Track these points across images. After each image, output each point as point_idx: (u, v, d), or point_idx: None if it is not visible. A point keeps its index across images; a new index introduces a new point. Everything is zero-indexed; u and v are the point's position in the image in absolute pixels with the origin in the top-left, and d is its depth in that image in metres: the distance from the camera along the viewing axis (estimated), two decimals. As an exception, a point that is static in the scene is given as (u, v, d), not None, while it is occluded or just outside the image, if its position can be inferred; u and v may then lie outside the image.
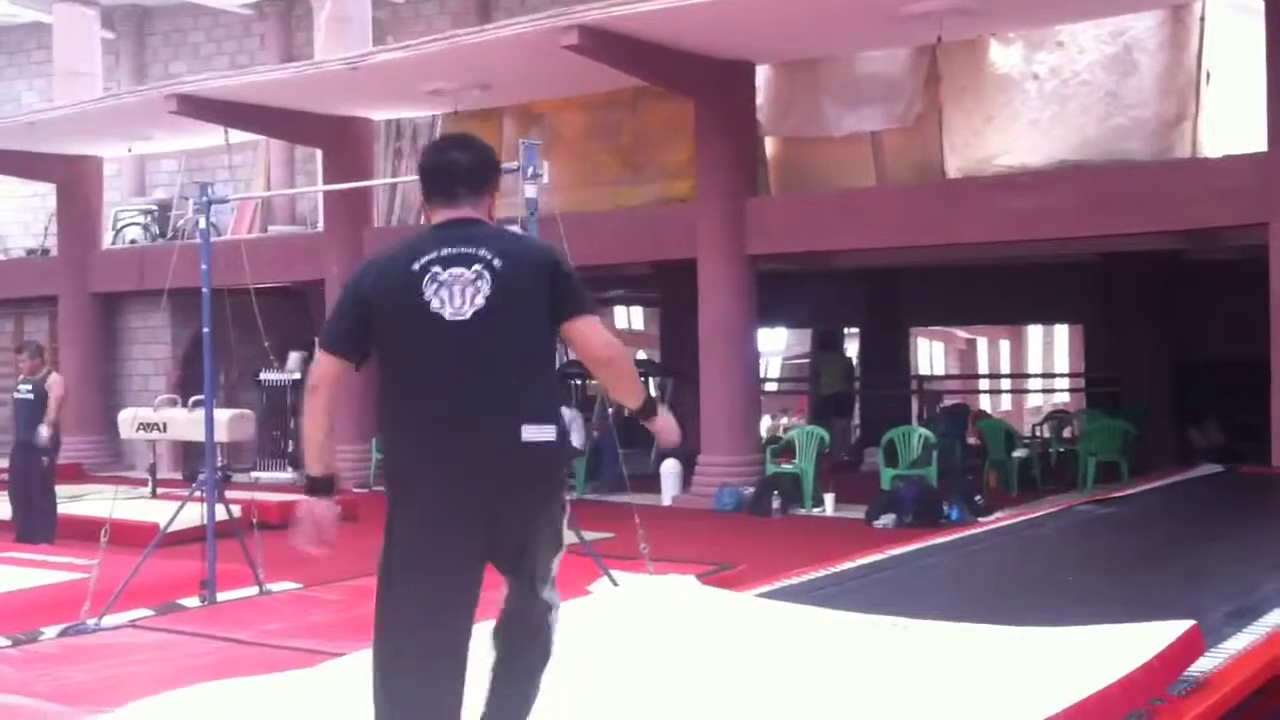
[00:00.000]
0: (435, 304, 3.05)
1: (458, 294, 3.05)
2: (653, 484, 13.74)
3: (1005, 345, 33.60)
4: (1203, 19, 12.14)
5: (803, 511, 12.70)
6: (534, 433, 3.03)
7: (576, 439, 14.23)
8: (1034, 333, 32.83)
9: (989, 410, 22.32)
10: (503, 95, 14.62)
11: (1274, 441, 10.56)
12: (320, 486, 3.30)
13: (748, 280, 13.48)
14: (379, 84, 14.03)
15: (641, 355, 25.65)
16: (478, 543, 3.12)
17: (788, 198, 14.08)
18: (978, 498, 11.94)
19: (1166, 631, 3.51)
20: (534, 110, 15.52)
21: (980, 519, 9.30)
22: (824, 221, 13.27)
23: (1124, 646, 3.43)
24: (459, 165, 3.26)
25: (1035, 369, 28.79)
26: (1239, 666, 3.76)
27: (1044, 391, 25.06)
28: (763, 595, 5.05)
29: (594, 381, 18.73)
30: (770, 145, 14.54)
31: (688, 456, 13.85)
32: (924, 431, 13.36)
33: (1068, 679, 3.17)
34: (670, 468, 13.66)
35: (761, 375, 22.01)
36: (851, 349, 22.17)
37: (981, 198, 12.41)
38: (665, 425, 3.47)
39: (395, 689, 3.04)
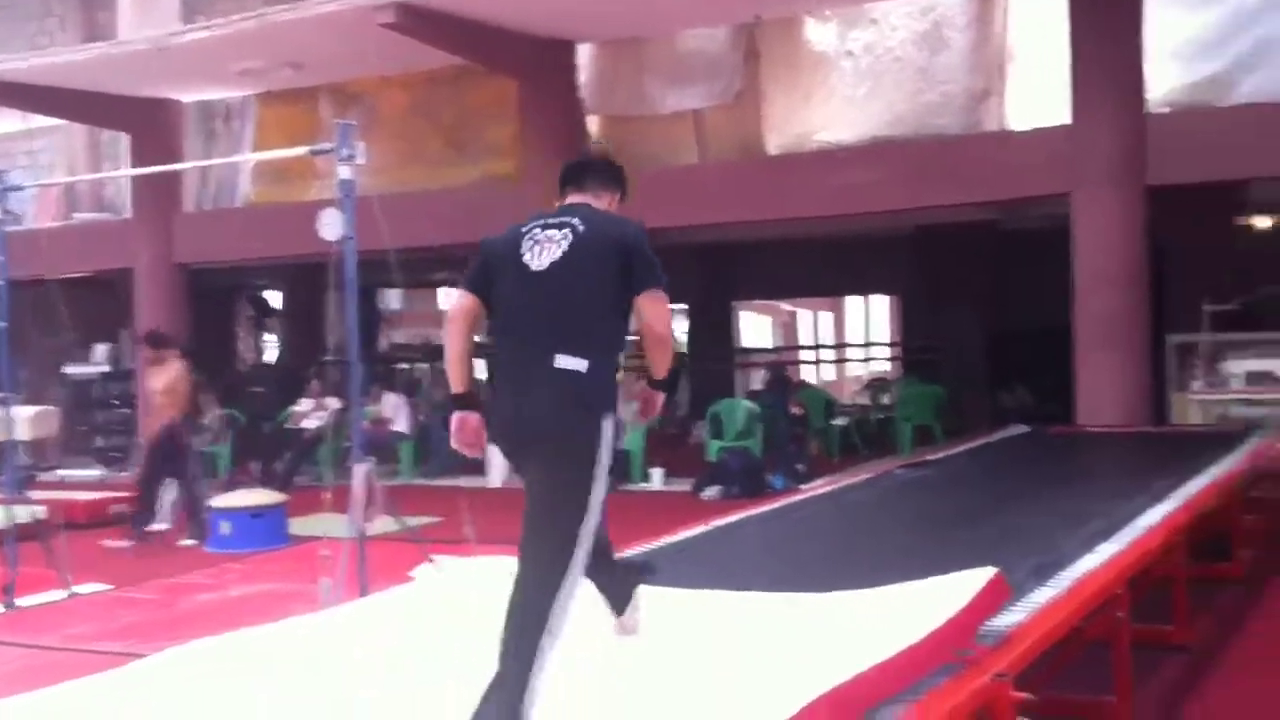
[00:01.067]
0: (526, 257, 3.55)
1: (542, 250, 3.54)
2: (482, 466, 13.64)
3: (827, 317, 34.40)
4: (1007, -4, 12.54)
5: (631, 486, 12.77)
6: (565, 361, 3.39)
7: (402, 423, 14.03)
8: (854, 304, 33.68)
9: (812, 380, 22.81)
10: (318, 74, 14.26)
11: (1077, 401, 11.08)
12: (464, 401, 3.70)
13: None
14: (187, 64, 13.52)
15: (477, 339, 25.43)
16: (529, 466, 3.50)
17: (611, 175, 14.09)
18: (800, 466, 12.21)
19: (972, 580, 3.62)
20: (351, 90, 15.19)
21: (803, 486, 9.47)
22: (649, 199, 13.14)
23: (932, 599, 3.52)
24: (594, 163, 3.97)
25: (857, 339, 29.49)
26: (1042, 619, 3.91)
27: (864, 361, 25.73)
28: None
29: (422, 365, 18.52)
30: (595, 124, 14.52)
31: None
32: (748, 404, 13.57)
33: (879, 636, 3.24)
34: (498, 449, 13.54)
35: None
36: (679, 324, 22.37)
37: (802, 173, 12.63)
38: (651, 400, 3.80)
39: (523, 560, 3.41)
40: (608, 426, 3.41)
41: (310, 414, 14.20)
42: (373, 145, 14.20)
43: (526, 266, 3.54)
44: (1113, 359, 10.81)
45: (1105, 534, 5.31)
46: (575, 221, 3.60)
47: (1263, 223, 15.28)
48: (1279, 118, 10.67)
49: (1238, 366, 11.37)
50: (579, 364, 3.39)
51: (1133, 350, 10.94)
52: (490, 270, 3.66)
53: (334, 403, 14.18)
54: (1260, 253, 13.58)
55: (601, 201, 3.84)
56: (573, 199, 3.82)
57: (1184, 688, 5.29)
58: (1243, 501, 7.47)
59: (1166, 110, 11.39)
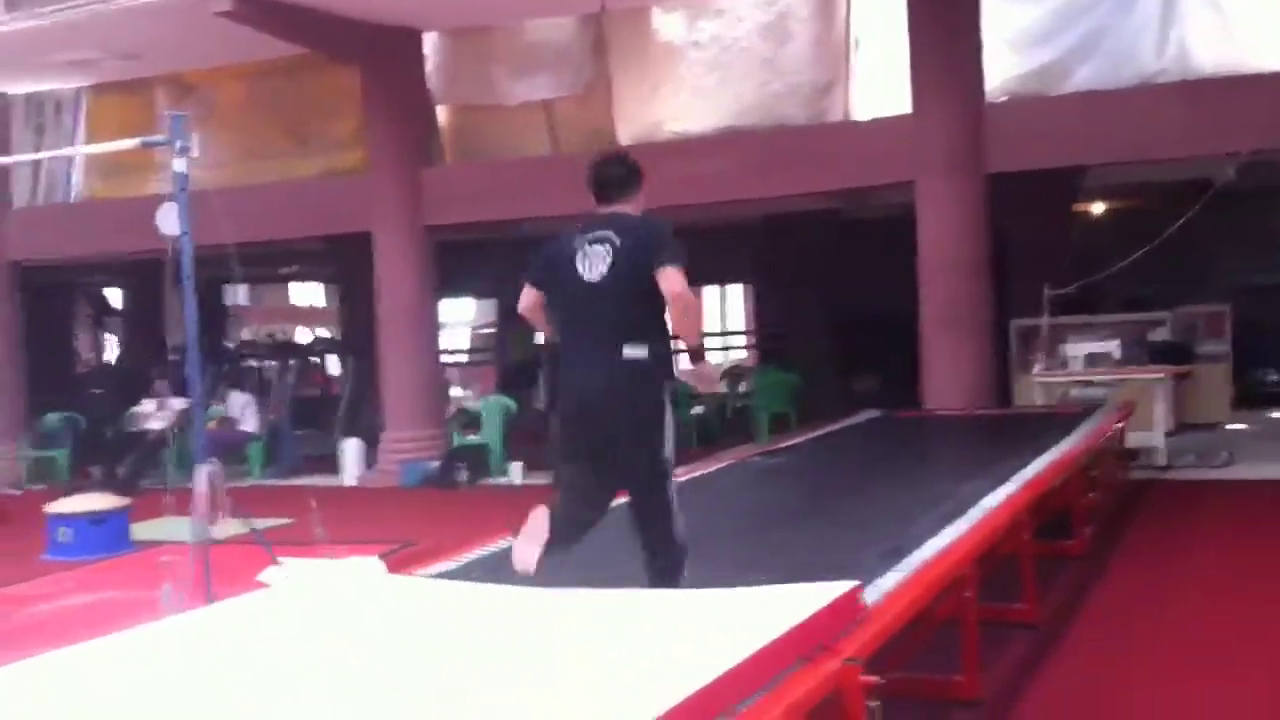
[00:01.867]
0: (581, 270, 4.29)
1: (591, 264, 4.27)
2: (336, 464, 13.39)
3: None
4: (850, -13, 12.72)
5: (490, 482, 12.67)
6: (630, 350, 4.19)
7: (251, 423, 13.67)
8: (710, 293, 33.97)
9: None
10: (153, 65, 13.77)
11: (925, 386, 11.34)
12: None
13: (426, 252, 13.28)
14: (13, 55, 12.93)
15: (322, 333, 24.94)
16: (592, 444, 4.31)
17: (464, 167, 13.93)
18: (657, 456, 12.20)
19: (829, 591, 3.63)
20: (188, 81, 14.72)
21: (662, 478, 9.51)
22: (502, 190, 13.21)
23: (789, 606, 3.51)
24: (613, 177, 4.51)
25: (713, 328, 29.75)
26: (892, 602, 3.96)
27: (721, 349, 25.96)
28: (446, 572, 4.95)
29: (271, 364, 18.06)
30: (443, 114, 14.33)
31: (372, 433, 13.56)
32: (608, 395, 13.55)
33: (734, 640, 3.22)
34: (352, 446, 13.31)
35: (449, 347, 21.81)
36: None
37: (653, 164, 12.42)
38: (704, 372, 4.74)
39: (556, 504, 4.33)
40: (668, 390, 4.29)
41: (154, 415, 13.75)
42: (211, 137, 13.88)
43: (582, 278, 4.29)
44: (957, 343, 11.08)
45: (952, 516, 5.43)
46: (613, 235, 4.29)
47: (1098, 209, 15.88)
48: (1109, 106, 11.06)
49: (1077, 349, 11.78)
50: (641, 351, 4.20)
51: (976, 334, 11.23)
52: (548, 270, 4.45)
53: (178, 403, 13.75)
54: (1097, 238, 14.10)
55: (630, 204, 4.49)
56: (606, 209, 4.49)
57: (1031, 664, 5.43)
58: (1083, 480, 7.73)
59: (1004, 99, 11.71)
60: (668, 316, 4.27)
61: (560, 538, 4.28)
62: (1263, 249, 16.76)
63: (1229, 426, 13.64)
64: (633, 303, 4.20)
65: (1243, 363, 14.91)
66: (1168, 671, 5.33)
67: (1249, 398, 15.10)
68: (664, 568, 4.30)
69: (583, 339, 4.33)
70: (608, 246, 4.26)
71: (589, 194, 4.55)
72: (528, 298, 4.53)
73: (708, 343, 25.99)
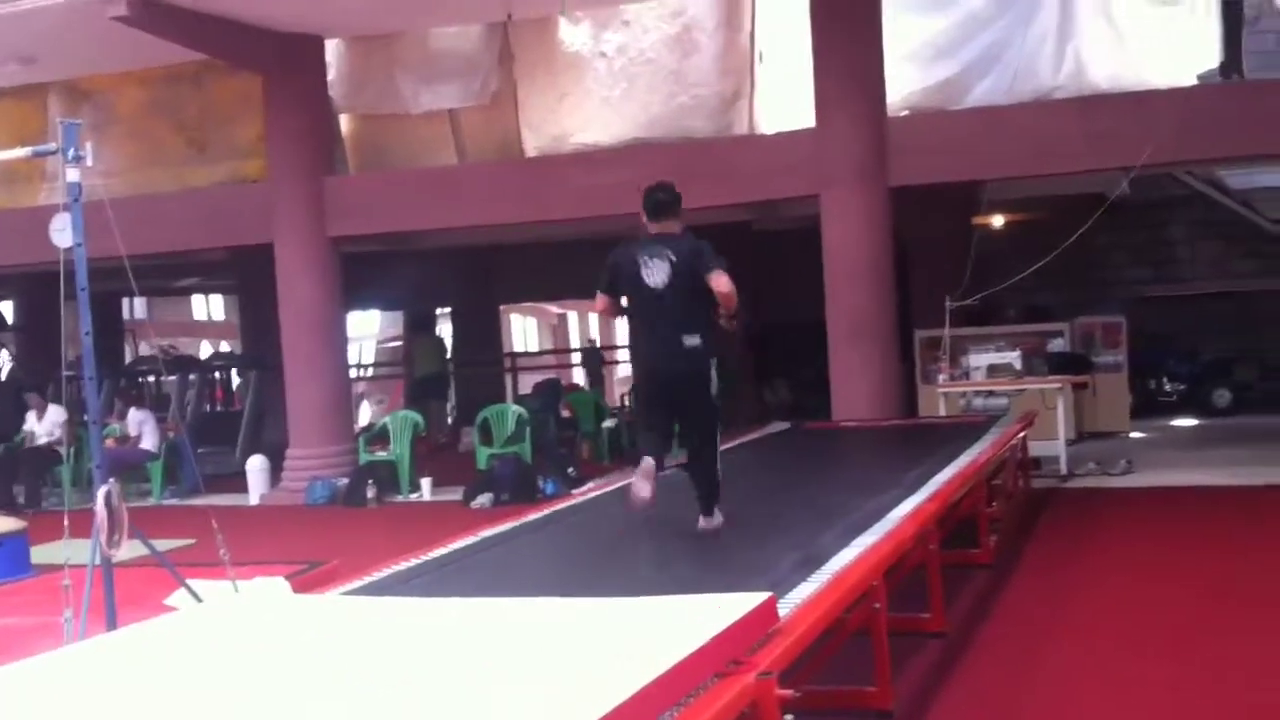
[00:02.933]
0: (645, 276, 5.54)
1: (652, 273, 5.53)
2: (240, 483, 13.11)
3: (594, 318, 34.61)
4: (755, -1, 12.82)
5: (400, 498, 12.52)
6: (690, 340, 5.55)
7: (149, 441, 13.35)
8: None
9: (581, 384, 22.85)
10: (48, 70, 13.43)
11: (833, 397, 11.44)
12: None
13: (331, 263, 13.10)
14: (-102, 57, 12.50)
15: (224, 347, 24.47)
16: (667, 398, 5.72)
17: (368, 176, 13.78)
18: (571, 470, 12.19)
19: (744, 603, 3.63)
20: (84, 87, 14.37)
21: (575, 491, 9.45)
22: (407, 200, 13.08)
23: (705, 615, 3.50)
24: (663, 202, 5.72)
25: (625, 340, 29.71)
26: (804, 614, 3.97)
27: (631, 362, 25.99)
28: (355, 590, 4.87)
29: (170, 379, 17.67)
30: (346, 123, 14.16)
31: (276, 451, 13.32)
32: (518, 409, 13.49)
33: (654, 650, 3.20)
34: (256, 464, 13.06)
35: (355, 361, 21.54)
36: (445, 329, 22.08)
37: (561, 175, 12.62)
38: (733, 329, 5.70)
39: (646, 438, 5.72)
40: (714, 366, 5.66)
41: (38, 431, 13.42)
42: (108, 145, 13.60)
43: (646, 284, 5.55)
44: (863, 354, 11.21)
45: (861, 527, 5.47)
46: (669, 252, 5.54)
47: (998, 221, 16.17)
48: (1008, 120, 11.28)
49: (979, 359, 11.97)
50: (695, 339, 5.55)
51: (881, 345, 11.37)
52: (617, 279, 5.68)
53: (57, 412, 13.43)
54: (997, 250, 14.35)
55: (676, 224, 5.72)
56: (655, 228, 5.69)
57: (940, 672, 5.49)
58: (987, 489, 7.85)
59: (905, 113, 11.89)
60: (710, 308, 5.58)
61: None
62: (1157, 260, 17.23)
63: (1128, 435, 13.97)
64: (689, 302, 5.54)
65: (1140, 372, 15.28)
66: (1072, 672, 5.42)
67: (1147, 407, 15.47)
68: (708, 494, 5.73)
69: (653, 330, 5.67)
70: (665, 260, 5.53)
71: (646, 216, 5.71)
72: (600, 302, 5.86)
73: (617, 355, 26.10)
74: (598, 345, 24.84)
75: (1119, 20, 11.72)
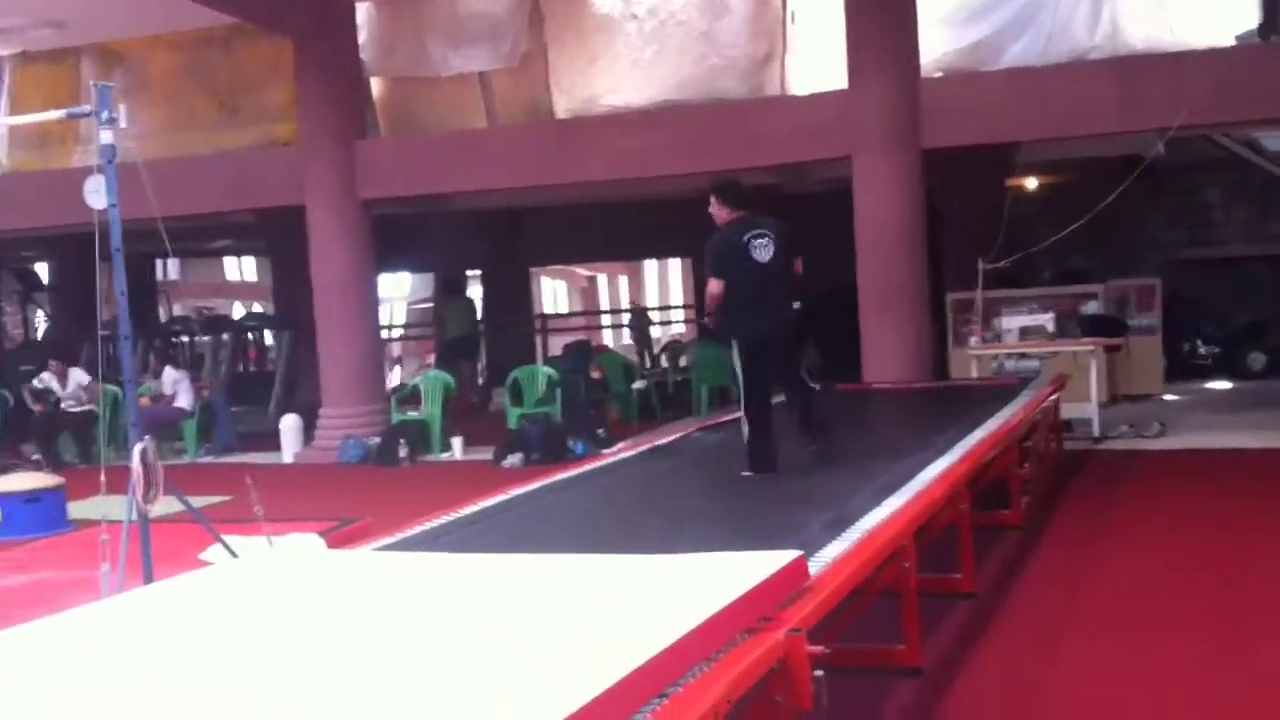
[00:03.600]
0: (755, 254, 6.39)
1: (760, 251, 6.39)
2: (273, 442, 13.24)
3: (624, 280, 34.63)
4: (786, -39, 12.70)
5: (431, 458, 12.60)
6: (793, 306, 6.55)
7: (184, 399, 13.48)
8: (650, 267, 33.97)
9: (611, 345, 22.91)
10: (79, 34, 13.47)
11: (864, 360, 11.43)
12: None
13: (362, 226, 13.15)
14: (-68, 21, 12.59)
15: (257, 308, 24.64)
16: (780, 356, 6.62)
17: (399, 140, 13.79)
18: (601, 431, 12.24)
19: (774, 560, 3.65)
20: (115, 50, 14.40)
21: (604, 451, 9.49)
22: (438, 163, 13.09)
23: (735, 572, 3.53)
24: (746, 191, 6.68)
25: (653, 302, 29.73)
26: (834, 573, 3.98)
27: (662, 324, 26.00)
28: (387, 547, 4.92)
29: (203, 339, 17.83)
30: (377, 86, 14.16)
31: (309, 411, 13.43)
32: (548, 370, 13.53)
33: (685, 605, 3.23)
34: (290, 423, 13.18)
35: (385, 322, 21.64)
36: (476, 291, 22.14)
37: (591, 137, 12.60)
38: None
39: (759, 415, 6.53)
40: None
41: (69, 394, 13.56)
42: (140, 108, 13.65)
43: (758, 261, 6.38)
44: (895, 317, 11.18)
45: (892, 488, 5.47)
46: (769, 232, 6.45)
47: (1031, 184, 16.05)
48: (1042, 82, 11.17)
49: (1011, 322, 11.91)
50: (793, 305, 6.54)
51: (914, 308, 11.33)
52: (728, 261, 6.40)
53: (80, 375, 13.55)
54: (1030, 213, 14.26)
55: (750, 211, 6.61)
56: (741, 213, 6.52)
57: (970, 633, 5.51)
58: (1019, 451, 7.83)
59: (939, 75, 11.79)
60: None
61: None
62: (1192, 223, 17.07)
63: (1162, 397, 13.90)
64: (786, 274, 6.50)
65: (1174, 335, 15.18)
66: (1100, 633, 5.42)
67: (1180, 369, 15.38)
68: (812, 425, 6.70)
69: (763, 298, 6.43)
70: (768, 239, 6.41)
71: (734, 205, 6.52)
72: (717, 286, 6.43)
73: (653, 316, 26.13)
74: (645, 308, 24.82)
75: (1156, -20, 11.55)
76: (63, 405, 13.54)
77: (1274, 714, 4.57)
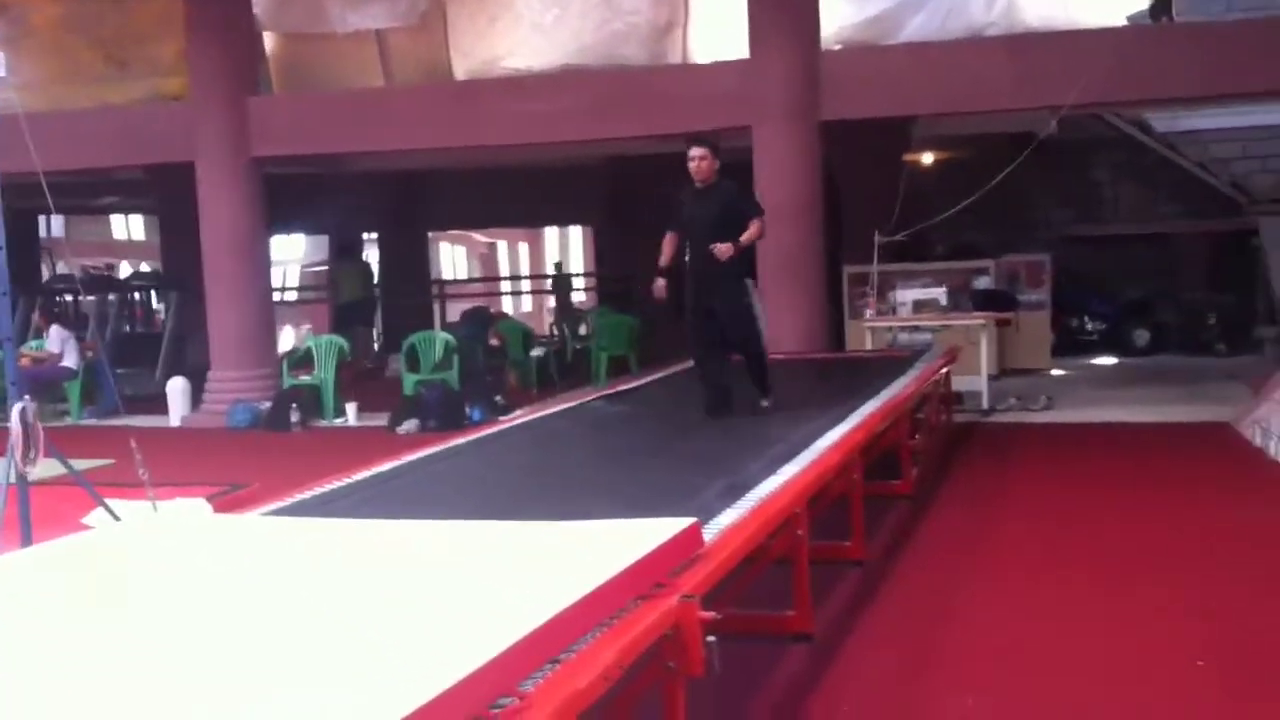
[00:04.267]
0: (696, 213, 7.04)
1: (706, 209, 6.99)
2: (160, 405, 12.93)
3: (524, 247, 34.43)
4: (690, -74, 12.65)
5: (324, 423, 12.41)
6: (733, 266, 7.00)
7: (71, 359, 13.10)
8: (551, 234, 33.80)
9: (510, 312, 22.77)
10: (-42, -21, 12.92)
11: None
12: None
13: (254, 184, 12.85)
14: None
15: (145, 267, 24.02)
16: (708, 321, 7.28)
17: (293, 97, 13.50)
18: (498, 398, 12.17)
19: (669, 527, 3.65)
20: (-2, -2, 13.85)
21: (501, 418, 9.43)
22: (333, 123, 12.84)
23: (630, 538, 3.52)
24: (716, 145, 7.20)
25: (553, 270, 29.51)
26: (727, 540, 4.00)
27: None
28: (276, 512, 4.82)
29: (88, 298, 17.33)
30: (271, 42, 13.82)
31: (197, 373, 13.14)
32: (445, 336, 13.40)
33: (577, 571, 3.21)
34: (177, 386, 12.87)
35: (278, 285, 21.23)
36: (372, 255, 21.83)
37: (491, 100, 12.45)
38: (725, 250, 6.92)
39: (704, 369, 7.34)
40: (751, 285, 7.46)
41: None
42: (23, 58, 13.15)
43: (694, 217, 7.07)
44: (792, 288, 11.25)
45: (786, 456, 5.52)
46: (721, 190, 7.09)
47: (927, 159, 16.26)
48: (939, 57, 11.31)
49: (905, 295, 12.08)
50: (741, 268, 7.21)
51: (811, 280, 11.43)
52: (679, 214, 7.11)
53: None
54: (926, 187, 14.44)
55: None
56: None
57: (860, 600, 5.59)
58: (911, 422, 7.95)
59: (838, 48, 11.86)
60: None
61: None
62: (1082, 201, 17.45)
63: (1050, 372, 14.22)
64: (735, 234, 6.93)
65: (1062, 311, 15.54)
66: (987, 598, 5.55)
67: (1068, 345, 15.75)
68: (761, 381, 7.33)
69: (699, 254, 7.03)
70: (715, 197, 7.02)
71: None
72: (670, 237, 7.22)
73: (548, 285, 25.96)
74: (569, 273, 24.58)
75: (1051, -42, 11.75)
76: None
77: (1150, 642, 4.82)
